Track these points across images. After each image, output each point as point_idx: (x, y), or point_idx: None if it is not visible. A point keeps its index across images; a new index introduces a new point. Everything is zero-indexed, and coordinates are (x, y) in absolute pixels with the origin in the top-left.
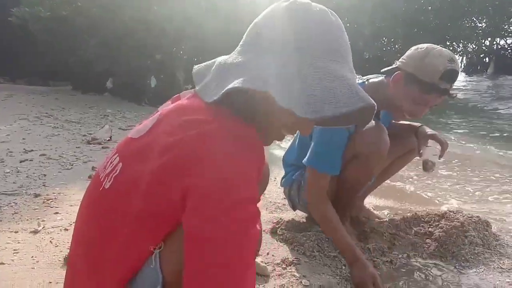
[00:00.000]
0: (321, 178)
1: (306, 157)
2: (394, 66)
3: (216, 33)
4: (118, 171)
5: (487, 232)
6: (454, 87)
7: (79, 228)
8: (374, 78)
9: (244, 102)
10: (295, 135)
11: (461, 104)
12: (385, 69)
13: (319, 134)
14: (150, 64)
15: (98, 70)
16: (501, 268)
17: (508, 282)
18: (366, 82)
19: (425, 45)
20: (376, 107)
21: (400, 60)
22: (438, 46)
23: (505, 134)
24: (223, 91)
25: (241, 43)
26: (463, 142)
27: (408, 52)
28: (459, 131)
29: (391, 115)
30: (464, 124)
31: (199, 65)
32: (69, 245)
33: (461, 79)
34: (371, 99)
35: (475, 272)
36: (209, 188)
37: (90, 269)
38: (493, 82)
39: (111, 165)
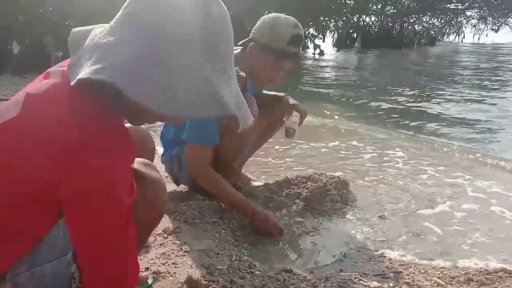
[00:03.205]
0: (203, 150)
1: (185, 132)
2: (248, 38)
3: None
4: None
5: (345, 190)
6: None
7: None
8: (235, 50)
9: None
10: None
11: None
12: (242, 41)
13: None
14: (11, 27)
15: None
16: (357, 217)
17: (361, 229)
18: None
19: (272, 15)
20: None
21: (252, 31)
22: (283, 15)
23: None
24: (75, 80)
25: (117, 17)
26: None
27: (258, 23)
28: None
29: (254, 84)
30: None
31: (77, 29)
32: None
33: (333, 53)
34: (232, 109)
35: (335, 224)
36: (84, 195)
37: None
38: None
39: None
